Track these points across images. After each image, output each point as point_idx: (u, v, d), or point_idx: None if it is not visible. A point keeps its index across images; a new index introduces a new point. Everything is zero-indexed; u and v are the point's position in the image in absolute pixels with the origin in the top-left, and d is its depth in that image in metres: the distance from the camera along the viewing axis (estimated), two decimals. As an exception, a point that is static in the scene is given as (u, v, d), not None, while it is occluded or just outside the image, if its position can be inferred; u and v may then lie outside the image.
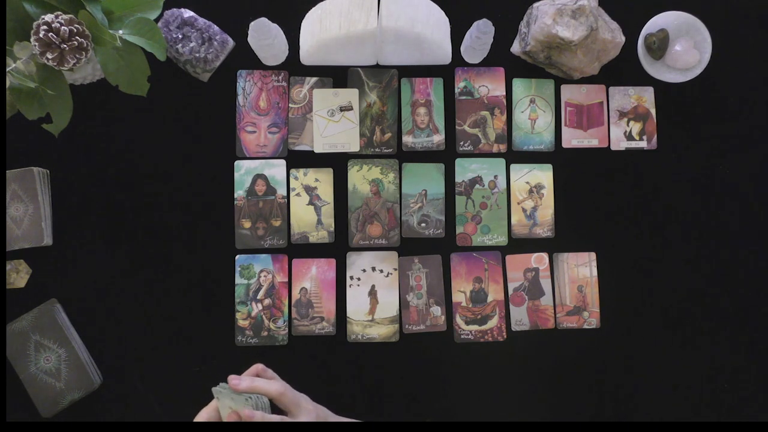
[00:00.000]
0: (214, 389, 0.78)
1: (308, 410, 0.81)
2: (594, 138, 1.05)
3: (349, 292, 1.01)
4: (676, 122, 1.05)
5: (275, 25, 0.97)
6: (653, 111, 1.05)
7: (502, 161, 1.04)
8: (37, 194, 0.98)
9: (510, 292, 1.02)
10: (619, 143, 1.05)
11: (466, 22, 0.99)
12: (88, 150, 1.01)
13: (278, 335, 1.00)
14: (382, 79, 1.04)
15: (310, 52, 0.99)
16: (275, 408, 0.80)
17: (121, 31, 0.87)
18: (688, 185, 1.04)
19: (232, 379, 0.80)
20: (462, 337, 1.01)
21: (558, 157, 1.04)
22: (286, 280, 1.01)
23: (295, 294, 1.01)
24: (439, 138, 1.03)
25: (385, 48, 0.99)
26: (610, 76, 1.05)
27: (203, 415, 0.80)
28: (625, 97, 1.05)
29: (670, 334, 1.02)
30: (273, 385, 0.80)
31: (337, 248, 1.02)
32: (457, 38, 1.02)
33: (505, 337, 1.02)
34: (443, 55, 1.01)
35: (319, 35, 0.96)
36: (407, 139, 1.03)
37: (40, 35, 0.82)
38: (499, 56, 1.04)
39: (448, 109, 1.04)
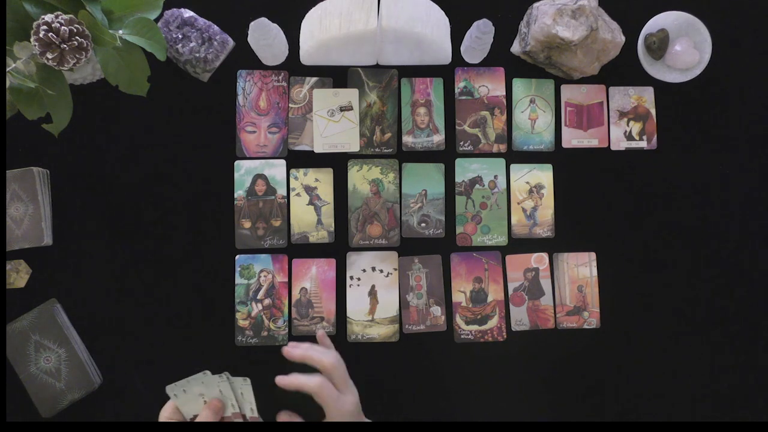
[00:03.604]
0: (168, 388, 0.79)
1: (354, 392, 0.85)
2: (594, 138, 1.05)
3: (349, 292, 1.01)
4: (676, 122, 1.05)
5: (275, 25, 0.97)
6: (653, 111, 1.05)
7: (502, 161, 1.04)
8: (37, 194, 0.97)
9: (510, 292, 1.02)
10: (619, 143, 1.05)
11: (466, 22, 0.99)
12: (88, 150, 1.01)
13: (278, 335, 1.00)
14: (382, 79, 1.04)
15: (310, 52, 0.99)
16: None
17: (121, 31, 0.87)
18: (688, 185, 1.04)
19: (287, 348, 0.88)
20: (462, 337, 1.01)
21: (558, 157, 1.04)
22: (286, 280, 1.01)
23: (295, 294, 1.01)
24: (439, 138, 1.03)
25: (385, 48, 0.99)
26: (610, 76, 1.05)
27: (165, 416, 0.81)
28: (625, 97, 1.05)
29: (670, 334, 1.02)
30: (327, 356, 0.82)
31: (337, 248, 1.02)
32: (457, 38, 1.02)
33: (505, 337, 1.02)
34: (443, 55, 1.01)
35: (319, 35, 0.96)
36: (407, 139, 1.03)
37: (40, 35, 0.82)
38: (499, 56, 1.04)
39: (448, 109, 1.04)
